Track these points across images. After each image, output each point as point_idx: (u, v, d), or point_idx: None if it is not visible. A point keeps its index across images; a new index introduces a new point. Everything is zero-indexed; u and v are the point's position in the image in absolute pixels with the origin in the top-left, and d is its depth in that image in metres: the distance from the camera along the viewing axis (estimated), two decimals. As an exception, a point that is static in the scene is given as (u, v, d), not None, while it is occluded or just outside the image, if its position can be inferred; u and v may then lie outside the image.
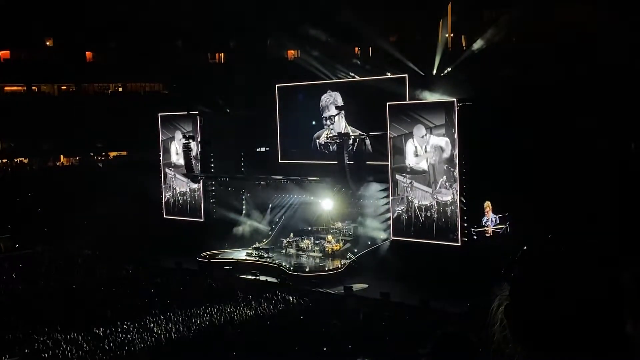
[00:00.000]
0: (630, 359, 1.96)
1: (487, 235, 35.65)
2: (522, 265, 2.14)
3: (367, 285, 36.20)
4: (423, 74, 40.33)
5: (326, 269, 38.49)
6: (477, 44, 44.92)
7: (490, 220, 35.89)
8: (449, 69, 41.27)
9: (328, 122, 43.64)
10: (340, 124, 42.96)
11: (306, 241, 42.19)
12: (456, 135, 34.47)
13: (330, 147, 43.11)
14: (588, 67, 41.81)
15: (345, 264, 38.27)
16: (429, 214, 35.87)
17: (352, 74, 44.20)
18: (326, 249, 41.19)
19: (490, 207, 35.90)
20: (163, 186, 49.33)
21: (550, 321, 1.98)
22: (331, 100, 43.43)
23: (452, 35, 53.46)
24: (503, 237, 35.52)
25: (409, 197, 36.60)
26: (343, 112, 42.86)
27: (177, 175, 48.30)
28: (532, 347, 2.03)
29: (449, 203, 35.05)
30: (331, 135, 42.67)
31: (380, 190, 39.15)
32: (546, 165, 35.28)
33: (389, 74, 41.57)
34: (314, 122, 44.41)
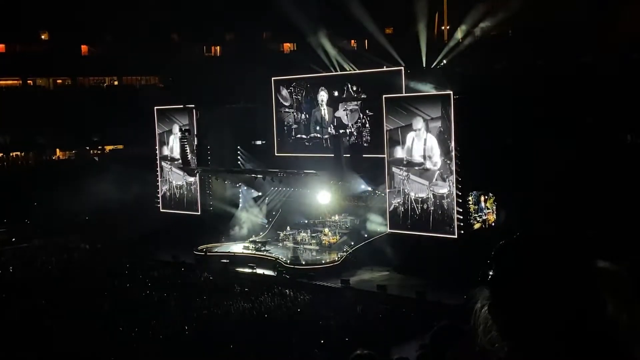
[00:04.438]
0: (618, 350, 1.96)
1: (483, 227, 35.71)
2: (498, 262, 2.12)
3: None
4: (425, 65, 40.34)
5: (323, 261, 38.52)
6: (474, 37, 44.91)
7: (486, 212, 35.95)
8: (444, 61, 41.27)
9: (321, 113, 43.64)
10: (337, 115, 42.95)
11: (303, 234, 42.22)
12: (452, 128, 34.46)
13: (329, 141, 43.17)
14: (584, 59, 41.82)
15: (342, 256, 38.30)
16: (425, 206, 35.90)
17: (352, 66, 44.11)
18: (323, 242, 41.22)
19: (486, 199, 35.94)
20: (159, 180, 49.29)
21: (535, 318, 1.98)
22: (326, 97, 43.40)
23: (448, 27, 53.46)
24: (499, 229, 35.57)
25: (406, 190, 36.62)
26: (340, 104, 42.83)
27: (174, 169, 48.26)
28: (519, 344, 2.02)
29: (445, 195, 35.07)
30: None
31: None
32: (543, 158, 35.31)
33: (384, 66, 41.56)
34: (307, 116, 44.43)
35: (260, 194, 46.85)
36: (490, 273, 2.09)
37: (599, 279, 1.97)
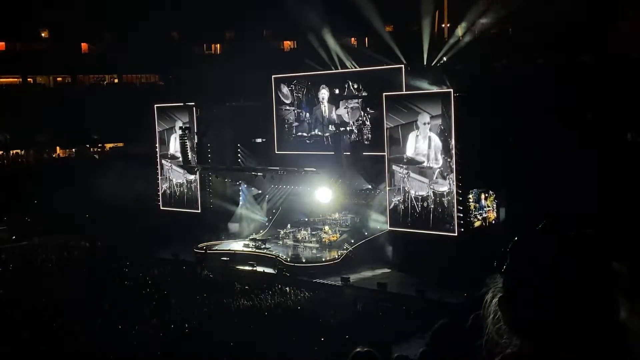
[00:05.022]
0: (626, 350, 1.95)
1: (483, 225, 35.70)
2: (514, 255, 2.12)
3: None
4: (425, 63, 40.32)
5: (323, 259, 38.52)
6: (474, 35, 44.87)
7: (486, 210, 35.93)
8: (444, 59, 41.24)
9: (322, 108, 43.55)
10: (338, 113, 42.93)
11: (303, 232, 42.22)
12: (453, 126, 34.43)
13: (329, 139, 43.13)
14: (584, 57, 41.82)
15: (342, 254, 38.30)
16: (425, 204, 35.88)
17: (353, 63, 44.05)
18: (323, 240, 41.21)
19: (487, 197, 35.93)
20: (159, 178, 49.28)
21: (545, 313, 1.96)
22: (327, 94, 43.35)
23: (448, 25, 53.46)
24: (499, 227, 35.57)
25: (406, 188, 36.60)
26: (341, 102, 42.79)
27: (174, 167, 48.24)
28: (527, 338, 2.01)
29: (445, 193, 35.06)
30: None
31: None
32: (544, 156, 35.33)
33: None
34: (307, 114, 44.40)
35: (260, 191, 46.85)
36: (505, 265, 2.08)
37: (615, 280, 1.96)
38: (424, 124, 35.55)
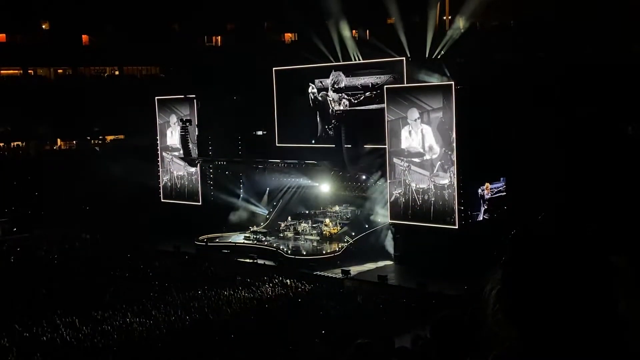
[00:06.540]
0: (624, 342, 1.96)
1: (484, 218, 35.67)
2: (513, 248, 2.12)
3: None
4: (427, 56, 40.23)
5: (324, 252, 38.54)
6: (475, 27, 44.77)
7: (487, 203, 35.90)
8: (443, 52, 41.13)
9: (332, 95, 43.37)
10: (339, 105, 42.88)
11: (304, 224, 42.22)
12: (454, 118, 34.38)
13: (331, 129, 43.09)
14: (584, 50, 41.74)
15: (342, 247, 38.33)
16: (426, 197, 35.86)
17: (356, 55, 43.91)
18: (324, 233, 41.21)
19: (490, 189, 35.89)
20: (160, 170, 49.27)
21: (543, 305, 1.97)
22: (328, 87, 43.26)
23: (449, 17, 53.33)
24: (500, 220, 35.54)
25: (407, 181, 36.58)
26: (342, 94, 42.71)
27: (175, 159, 48.23)
28: (526, 331, 2.02)
29: (446, 186, 35.04)
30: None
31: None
32: (545, 149, 35.29)
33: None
34: (308, 106, 44.32)
35: (261, 184, 46.83)
36: (505, 257, 2.09)
37: (613, 274, 1.97)
38: (416, 120, 35.55)
